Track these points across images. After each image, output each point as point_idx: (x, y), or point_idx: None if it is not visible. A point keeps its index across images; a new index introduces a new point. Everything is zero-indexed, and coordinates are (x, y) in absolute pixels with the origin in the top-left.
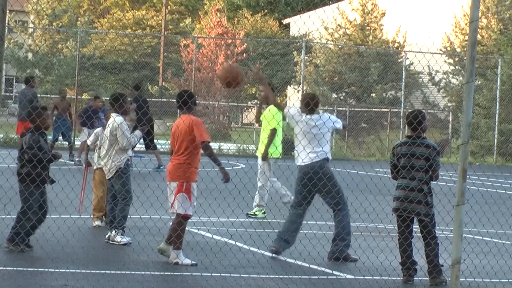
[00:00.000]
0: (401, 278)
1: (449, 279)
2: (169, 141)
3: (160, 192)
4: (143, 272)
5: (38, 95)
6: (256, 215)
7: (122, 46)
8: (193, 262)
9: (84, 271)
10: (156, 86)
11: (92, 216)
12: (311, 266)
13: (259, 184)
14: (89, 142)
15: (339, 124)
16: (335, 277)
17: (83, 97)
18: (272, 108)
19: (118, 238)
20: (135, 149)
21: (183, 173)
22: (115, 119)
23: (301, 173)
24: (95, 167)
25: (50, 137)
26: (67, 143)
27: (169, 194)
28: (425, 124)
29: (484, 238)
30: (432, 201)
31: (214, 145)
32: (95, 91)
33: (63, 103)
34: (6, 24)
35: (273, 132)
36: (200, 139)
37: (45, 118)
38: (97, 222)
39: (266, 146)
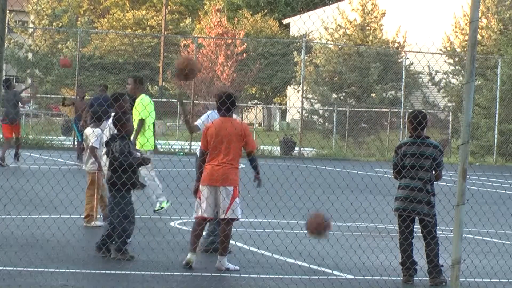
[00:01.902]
0: (401, 278)
1: (449, 279)
2: (169, 141)
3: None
4: (143, 272)
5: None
6: (162, 207)
7: (122, 46)
8: (236, 267)
9: (84, 271)
10: (156, 86)
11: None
12: (311, 266)
13: (145, 178)
14: (96, 145)
15: None
16: (335, 277)
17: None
18: (144, 99)
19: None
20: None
21: (237, 177)
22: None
23: None
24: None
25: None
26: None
27: (220, 199)
28: (425, 124)
29: (484, 238)
30: (434, 200)
31: None
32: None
33: (82, 104)
34: (6, 24)
35: (141, 122)
36: (252, 148)
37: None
38: (98, 222)
39: (133, 136)
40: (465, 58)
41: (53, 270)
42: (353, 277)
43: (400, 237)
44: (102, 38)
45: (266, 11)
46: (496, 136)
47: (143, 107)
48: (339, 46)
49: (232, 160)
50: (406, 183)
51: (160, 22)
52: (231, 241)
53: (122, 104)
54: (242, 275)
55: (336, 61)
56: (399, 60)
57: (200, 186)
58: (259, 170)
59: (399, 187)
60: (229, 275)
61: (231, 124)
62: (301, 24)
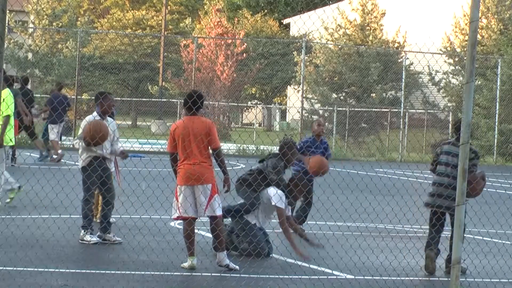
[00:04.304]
0: (401, 278)
1: (449, 279)
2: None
3: (160, 192)
4: (143, 272)
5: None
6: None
7: (122, 46)
8: (236, 266)
9: (84, 271)
10: (156, 86)
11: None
12: (311, 266)
13: None
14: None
15: None
16: (335, 277)
17: (83, 97)
18: (9, 94)
19: (88, 238)
20: (135, 149)
21: (213, 175)
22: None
23: None
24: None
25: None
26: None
27: (198, 197)
28: None
29: (484, 238)
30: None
31: None
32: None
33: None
34: (6, 24)
35: (7, 119)
36: (216, 145)
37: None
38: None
39: (1, 131)
40: (465, 58)
41: (53, 270)
42: (353, 277)
43: (429, 230)
44: (102, 38)
45: (266, 11)
46: (496, 136)
47: (11, 102)
48: (339, 46)
49: (207, 158)
50: (439, 180)
51: (160, 22)
52: None
53: (103, 103)
54: (242, 275)
55: (336, 61)
56: (399, 60)
57: (177, 186)
58: (227, 170)
59: (433, 184)
60: (229, 275)
61: (197, 122)
62: (301, 24)
